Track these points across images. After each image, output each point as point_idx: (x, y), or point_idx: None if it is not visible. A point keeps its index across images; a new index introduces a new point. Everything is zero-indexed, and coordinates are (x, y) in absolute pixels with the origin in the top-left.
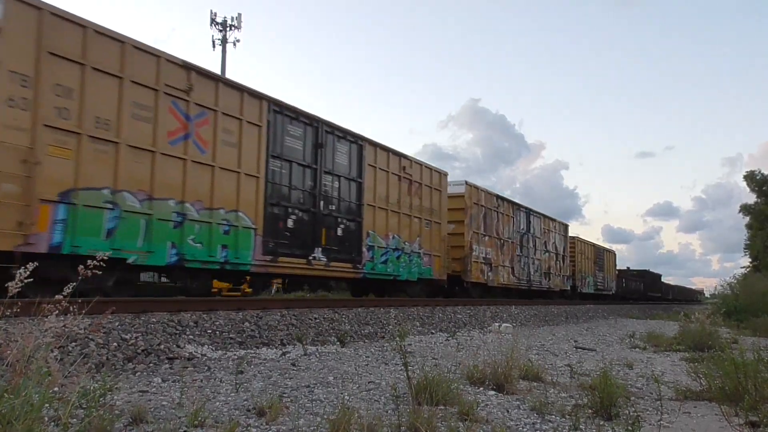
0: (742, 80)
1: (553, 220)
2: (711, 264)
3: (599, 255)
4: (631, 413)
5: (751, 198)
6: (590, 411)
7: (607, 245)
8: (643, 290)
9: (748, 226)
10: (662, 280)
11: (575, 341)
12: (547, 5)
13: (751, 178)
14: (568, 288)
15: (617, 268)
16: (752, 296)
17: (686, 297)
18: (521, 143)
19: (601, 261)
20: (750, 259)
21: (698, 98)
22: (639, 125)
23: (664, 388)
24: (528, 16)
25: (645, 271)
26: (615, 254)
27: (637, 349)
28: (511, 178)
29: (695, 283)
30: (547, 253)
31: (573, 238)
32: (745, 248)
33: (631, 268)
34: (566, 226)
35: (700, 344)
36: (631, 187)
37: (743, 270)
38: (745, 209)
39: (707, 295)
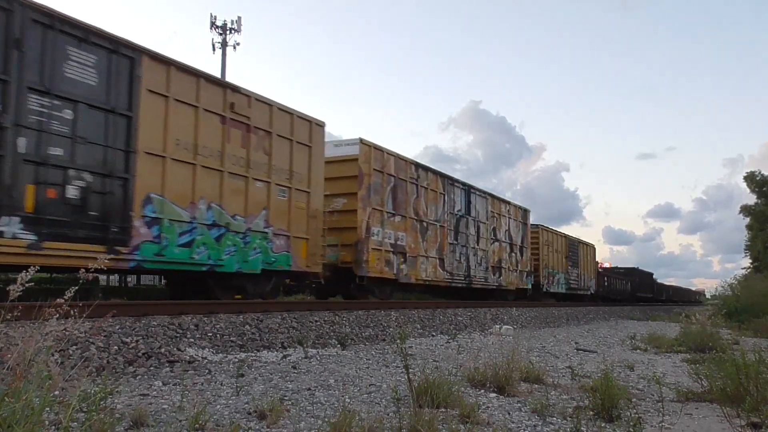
0: (742, 81)
1: (507, 202)
2: (712, 265)
3: (573, 248)
4: (633, 415)
5: (752, 199)
6: (591, 413)
7: (608, 247)
8: (630, 290)
9: (749, 227)
10: (655, 279)
11: (576, 343)
12: (548, 7)
13: (751, 179)
14: (529, 286)
15: (600, 265)
16: (753, 297)
17: (683, 298)
18: (522, 145)
19: (576, 255)
20: (750, 260)
21: (699, 99)
22: (640, 126)
23: (665, 389)
24: (529, 18)
25: (633, 269)
26: (594, 248)
27: (638, 351)
28: (512, 180)
29: (695, 284)
30: (496, 243)
31: (536, 226)
32: (745, 249)
33: (618, 266)
34: (526, 212)
35: (701, 345)
36: (631, 189)
37: (744, 271)
38: (746, 210)
39: (708, 296)
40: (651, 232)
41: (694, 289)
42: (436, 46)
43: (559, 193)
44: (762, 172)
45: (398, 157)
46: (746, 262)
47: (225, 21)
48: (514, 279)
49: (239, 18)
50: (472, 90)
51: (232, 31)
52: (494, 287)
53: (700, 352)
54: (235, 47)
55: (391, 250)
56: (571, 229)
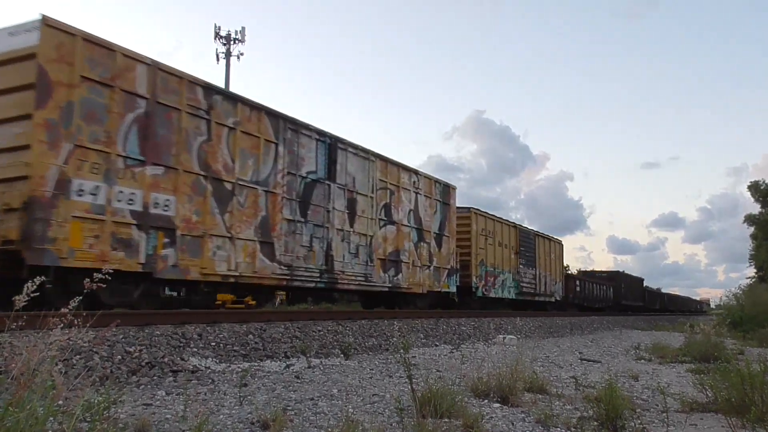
0: (747, 90)
1: (414, 171)
2: (717, 275)
3: (527, 242)
4: (637, 425)
5: (756, 208)
6: (596, 423)
7: (612, 257)
8: (612, 297)
9: (753, 237)
10: (646, 285)
11: (580, 353)
12: (553, 17)
13: (755, 188)
14: (452, 289)
15: (571, 268)
16: (758, 307)
17: (682, 308)
18: (526, 154)
19: (531, 252)
20: (755, 270)
21: (703, 108)
22: (644, 136)
23: (669, 399)
24: (533, 27)
25: (616, 272)
26: (561, 245)
27: (642, 361)
28: (516, 189)
29: (700, 293)
30: (391, 227)
31: (467, 209)
32: (750, 258)
33: (597, 270)
34: (447, 188)
35: (705, 355)
36: (636, 198)
37: (749, 280)
38: (750, 219)
39: (713, 305)
40: (655, 241)
41: (697, 298)
42: (439, 55)
43: (563, 203)
44: (766, 181)
45: (159, 68)
46: (751, 271)
47: (229, 31)
48: (425, 279)
49: (243, 28)
50: (476, 99)
51: (236, 42)
52: (387, 289)
53: (704, 362)
54: (239, 57)
55: (134, 221)
56: (576, 239)
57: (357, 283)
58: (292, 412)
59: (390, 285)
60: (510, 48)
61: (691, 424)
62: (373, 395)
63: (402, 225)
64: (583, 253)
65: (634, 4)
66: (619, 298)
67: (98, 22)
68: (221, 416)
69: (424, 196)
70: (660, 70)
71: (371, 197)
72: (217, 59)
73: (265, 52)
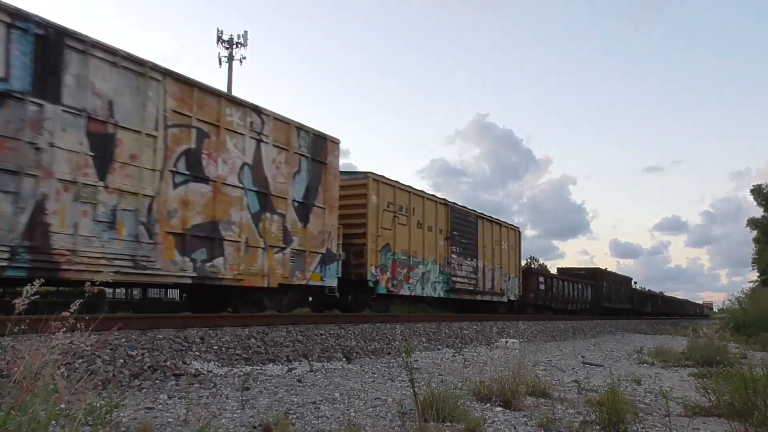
0: (750, 94)
1: (257, 109)
2: (720, 278)
3: (463, 226)
4: (640, 430)
5: (759, 212)
6: (598, 427)
7: (616, 260)
8: (591, 298)
9: (756, 240)
10: (635, 286)
11: (583, 357)
12: (555, 20)
13: (757, 192)
14: (330, 282)
15: (541, 266)
16: (761, 311)
17: (680, 311)
18: (529, 158)
19: (471, 239)
20: (758, 274)
21: (706, 112)
22: (647, 140)
23: (672, 404)
24: (536, 31)
25: (596, 269)
26: (518, 233)
27: (645, 365)
28: (519, 193)
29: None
30: (199, 186)
31: (362, 175)
32: (753, 262)
33: (575, 267)
34: (322, 141)
35: (708, 359)
36: (638, 202)
37: (751, 284)
38: (753, 223)
39: (716, 309)
40: (658, 245)
41: (700, 302)
42: (442, 59)
43: (566, 207)
44: None
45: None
46: (754, 275)
47: (231, 35)
48: (275, 266)
49: (245, 32)
50: (479, 103)
51: (239, 46)
52: (187, 280)
53: (707, 366)
54: (241, 61)
55: None
56: (578, 243)
57: (113, 269)
58: (294, 416)
59: (195, 274)
60: (513, 52)
61: (694, 428)
62: (375, 399)
63: (225, 185)
64: (586, 257)
65: (637, 9)
66: (599, 300)
67: (102, 27)
68: (223, 420)
69: (275, 146)
70: (663, 75)
71: (152, 137)
72: (220, 63)
73: (267, 56)
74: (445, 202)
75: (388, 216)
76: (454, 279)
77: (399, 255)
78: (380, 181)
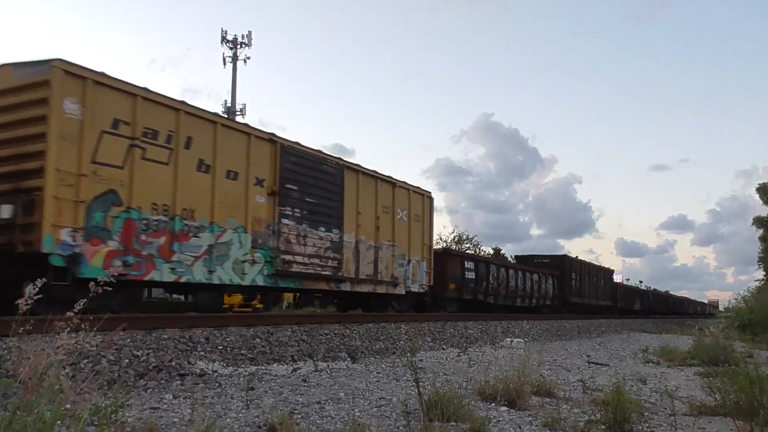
0: (757, 92)
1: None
2: (726, 277)
3: (309, 175)
4: (645, 429)
5: (765, 210)
6: (603, 427)
7: (622, 259)
8: (554, 293)
9: (762, 239)
10: (619, 280)
11: (588, 356)
12: (561, 19)
13: (763, 190)
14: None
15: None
16: (767, 310)
17: (677, 310)
18: (535, 157)
19: (328, 198)
20: (764, 272)
21: (713, 110)
22: (654, 138)
23: (678, 403)
24: (542, 30)
25: (562, 258)
26: (426, 199)
27: (650, 364)
28: (525, 192)
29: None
30: None
31: (42, 67)
32: (758, 261)
33: (537, 254)
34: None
35: (714, 359)
36: (645, 201)
37: (758, 283)
38: (758, 222)
39: (722, 308)
40: (664, 244)
41: (705, 300)
42: (447, 58)
43: (572, 206)
44: None
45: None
46: (760, 274)
47: (236, 36)
48: None
49: (250, 32)
50: (484, 102)
51: (243, 46)
52: None
53: (713, 366)
54: (245, 61)
55: None
56: (584, 242)
57: None
58: (299, 416)
59: None
60: (519, 50)
61: (700, 427)
62: (380, 399)
63: None
64: (592, 255)
65: (644, 7)
66: (566, 294)
67: (107, 28)
68: (228, 420)
69: None
70: (670, 73)
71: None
72: (224, 63)
73: (271, 56)
74: (270, 138)
75: (114, 144)
76: (288, 258)
77: (145, 213)
78: (90, 79)
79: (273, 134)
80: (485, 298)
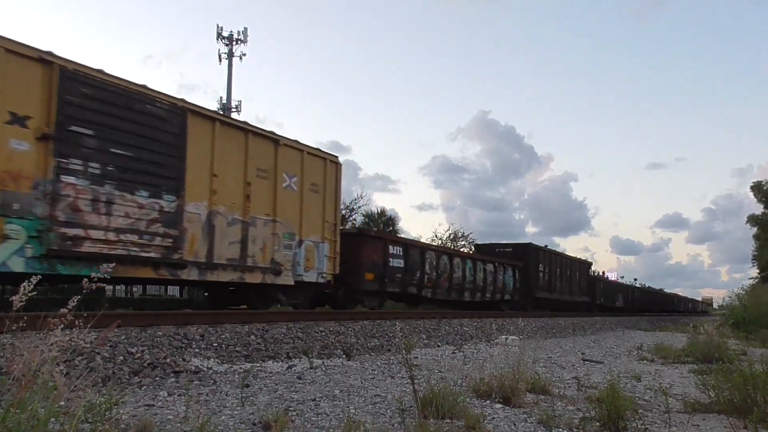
0: (753, 91)
1: None
2: (720, 275)
3: (120, 114)
4: (640, 426)
5: (759, 209)
6: (598, 424)
7: (616, 257)
8: (516, 287)
9: (756, 237)
10: (598, 274)
11: (583, 353)
12: (558, 17)
13: (758, 188)
14: None
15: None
16: (761, 307)
17: (667, 307)
18: (531, 155)
19: (157, 150)
20: (758, 270)
21: (709, 109)
22: (650, 136)
23: (672, 400)
24: (538, 27)
25: (527, 246)
26: (335, 166)
27: (645, 362)
28: (521, 190)
29: (702, 293)
30: None
31: None
32: (753, 259)
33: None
34: None
35: (708, 356)
36: (640, 199)
37: (752, 281)
38: (753, 220)
39: (716, 306)
40: (659, 242)
41: (699, 298)
42: (444, 56)
43: (568, 204)
44: None
45: None
46: (754, 272)
47: (231, 32)
48: None
49: (245, 29)
50: (481, 100)
51: (239, 42)
52: None
53: (707, 363)
54: (241, 58)
55: None
56: (579, 240)
57: None
58: (294, 413)
59: None
60: (516, 49)
61: (694, 424)
62: (375, 396)
63: None
64: (587, 253)
65: (641, 5)
66: (530, 288)
67: (105, 26)
68: (223, 417)
69: None
70: (667, 71)
71: None
72: (220, 60)
73: (267, 53)
74: (41, 57)
75: None
76: (75, 233)
77: None
78: None
79: (50, 53)
80: (419, 291)
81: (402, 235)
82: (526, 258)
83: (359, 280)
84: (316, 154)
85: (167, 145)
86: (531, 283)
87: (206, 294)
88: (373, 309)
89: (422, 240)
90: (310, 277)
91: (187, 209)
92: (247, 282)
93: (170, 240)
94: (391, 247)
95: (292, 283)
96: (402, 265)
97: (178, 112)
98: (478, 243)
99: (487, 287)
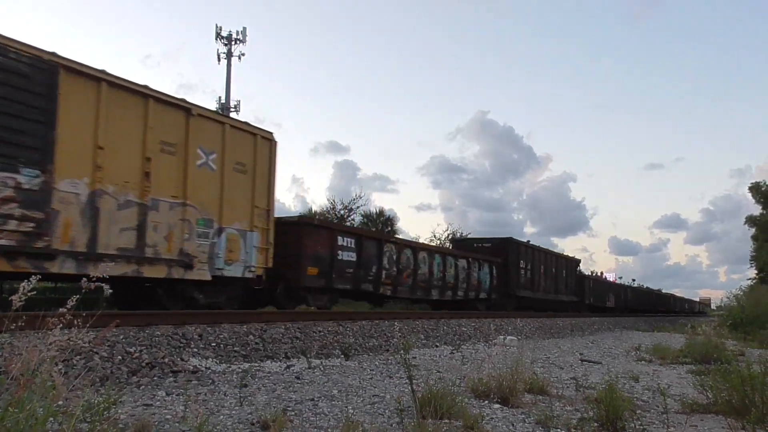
0: (752, 91)
1: None
2: (718, 276)
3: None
4: (638, 426)
5: (757, 209)
6: (596, 424)
7: (615, 257)
8: (493, 285)
9: (754, 238)
10: (585, 272)
11: (581, 354)
12: (556, 17)
13: (756, 189)
14: None
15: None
16: (759, 308)
17: (661, 308)
18: (530, 155)
19: (26, 123)
20: (756, 271)
21: (709, 109)
22: (648, 137)
23: (670, 401)
24: (537, 28)
25: (506, 241)
26: (269, 142)
27: (643, 362)
28: (519, 190)
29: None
30: None
31: None
32: (751, 260)
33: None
34: None
35: (706, 357)
36: (639, 199)
37: (750, 282)
38: (751, 220)
39: (714, 306)
40: (657, 242)
41: (697, 299)
42: (443, 56)
43: (566, 204)
44: (767, 183)
45: None
46: (752, 272)
47: (230, 32)
48: None
49: (244, 29)
50: (480, 100)
51: (238, 42)
52: None
53: (705, 364)
54: (240, 57)
55: None
56: (578, 240)
57: None
58: (292, 413)
59: None
60: (514, 49)
61: (692, 425)
62: (373, 396)
63: None
64: (585, 254)
65: (638, 5)
66: (511, 287)
67: (103, 24)
68: (221, 417)
69: None
70: (665, 71)
71: None
72: (218, 59)
73: (266, 53)
74: None
75: None
76: None
77: None
78: None
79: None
80: (376, 288)
81: (400, 236)
82: (506, 254)
83: (300, 275)
84: (243, 128)
85: (28, 107)
86: (511, 280)
87: (110, 291)
88: (322, 308)
89: (420, 240)
90: (234, 271)
91: (59, 187)
92: (146, 276)
93: (31, 224)
94: (340, 238)
95: (209, 278)
96: (354, 259)
97: (45, 67)
98: (455, 238)
99: (459, 285)
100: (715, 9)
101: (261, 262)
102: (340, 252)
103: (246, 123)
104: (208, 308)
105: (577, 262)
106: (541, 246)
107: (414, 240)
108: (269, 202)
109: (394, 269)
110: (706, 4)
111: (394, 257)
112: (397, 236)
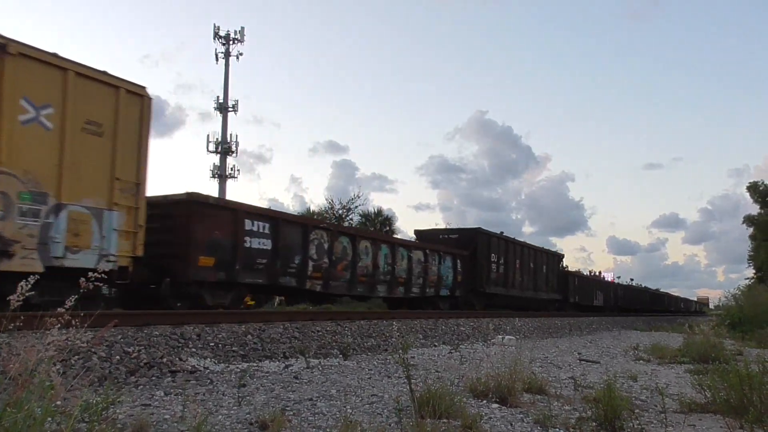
0: (750, 91)
1: None
2: (716, 275)
3: None
4: (636, 426)
5: (755, 209)
6: (594, 424)
7: (613, 257)
8: (458, 281)
9: (752, 237)
10: (569, 269)
11: (579, 353)
12: (555, 17)
13: (754, 188)
14: None
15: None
16: (756, 308)
17: (655, 307)
18: (528, 155)
19: None
20: (754, 271)
21: (708, 109)
22: (647, 137)
23: (668, 400)
24: (535, 28)
25: (475, 232)
26: (140, 98)
27: (641, 362)
28: (518, 190)
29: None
30: None
31: None
32: (749, 259)
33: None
34: None
35: (704, 356)
36: (637, 199)
37: (747, 281)
38: (749, 220)
39: (712, 306)
40: (656, 242)
41: (694, 298)
42: (442, 56)
43: (564, 204)
44: (765, 182)
45: None
46: (750, 272)
47: (228, 31)
48: None
49: (242, 28)
50: (478, 100)
51: (236, 42)
52: None
53: (703, 363)
54: (238, 57)
55: None
56: (576, 239)
57: None
58: (291, 413)
59: None
60: (513, 48)
61: (690, 424)
62: (371, 396)
63: None
64: (584, 253)
65: (637, 5)
66: (480, 283)
67: (101, 24)
68: (220, 416)
69: None
70: (664, 71)
71: None
72: (216, 59)
73: (264, 53)
74: None
75: None
76: None
77: None
78: None
79: None
80: (301, 283)
81: (398, 236)
82: (474, 246)
83: (188, 266)
84: (97, 78)
85: None
86: (480, 275)
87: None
88: (228, 308)
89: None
90: (82, 261)
91: None
92: None
93: None
94: (248, 221)
95: (41, 269)
96: (269, 248)
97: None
98: (419, 230)
99: (414, 280)
100: (714, 9)
101: (126, 250)
102: (247, 239)
103: (103, 72)
104: (42, 309)
105: (561, 257)
106: (526, 241)
107: (359, 227)
108: (139, 173)
109: (325, 260)
110: (705, 4)
111: (325, 246)
112: (330, 222)
